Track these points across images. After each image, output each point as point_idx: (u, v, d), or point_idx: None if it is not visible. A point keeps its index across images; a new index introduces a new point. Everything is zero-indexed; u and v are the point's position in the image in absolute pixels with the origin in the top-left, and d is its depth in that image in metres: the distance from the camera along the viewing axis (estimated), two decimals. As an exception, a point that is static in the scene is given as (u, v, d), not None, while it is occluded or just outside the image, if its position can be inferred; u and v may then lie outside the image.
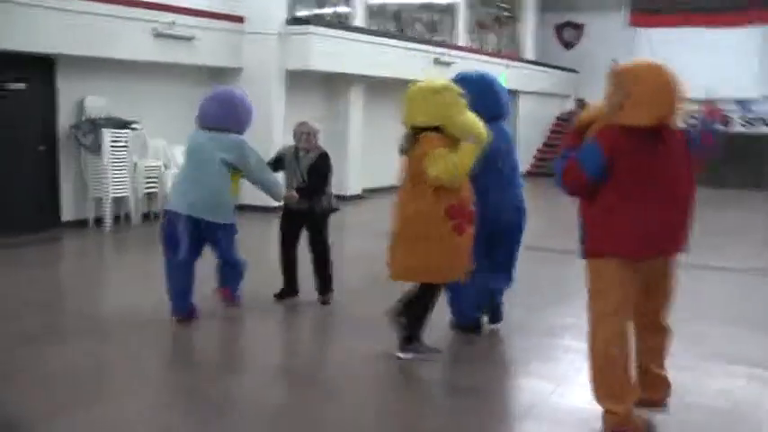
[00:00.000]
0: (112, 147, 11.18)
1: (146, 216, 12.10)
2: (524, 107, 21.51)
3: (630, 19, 21.49)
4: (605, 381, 4.27)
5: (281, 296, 7.30)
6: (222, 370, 5.76)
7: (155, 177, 12.08)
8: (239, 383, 5.35)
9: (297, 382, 5.48)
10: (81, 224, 11.39)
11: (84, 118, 11.23)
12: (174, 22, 11.95)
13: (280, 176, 7.03)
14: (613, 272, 4.13)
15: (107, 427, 4.51)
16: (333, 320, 7.06)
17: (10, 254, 9.61)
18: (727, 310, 7.40)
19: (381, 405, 5.02)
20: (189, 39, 12.29)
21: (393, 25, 17.54)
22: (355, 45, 14.60)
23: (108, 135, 11.09)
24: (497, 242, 6.05)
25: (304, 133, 7.08)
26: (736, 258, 10.02)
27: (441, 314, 6.11)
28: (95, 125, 11.12)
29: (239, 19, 13.39)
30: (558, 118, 24.03)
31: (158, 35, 11.77)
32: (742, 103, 21.67)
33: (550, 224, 12.01)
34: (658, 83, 4.02)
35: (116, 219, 11.58)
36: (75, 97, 11.31)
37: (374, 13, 16.75)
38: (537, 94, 22.30)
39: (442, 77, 5.86)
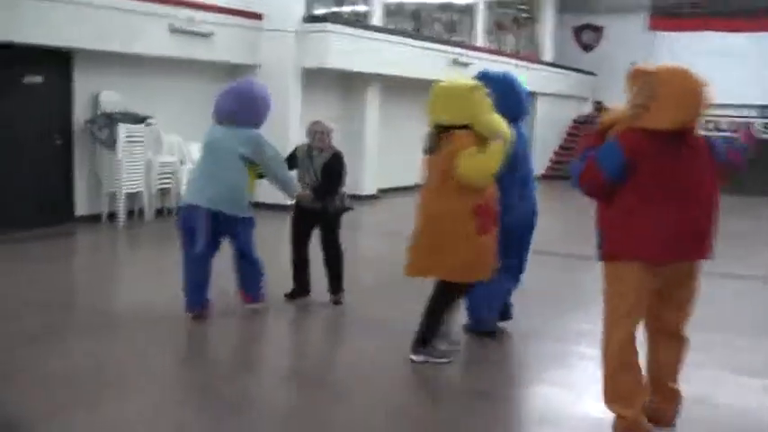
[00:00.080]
0: (127, 142, 11.15)
1: (159, 212, 12.07)
2: (542, 109, 21.40)
3: (650, 22, 21.38)
4: (616, 384, 4.21)
5: (292, 296, 7.25)
6: (234, 369, 5.71)
7: (169, 173, 12.05)
8: (251, 383, 5.30)
9: (307, 383, 5.41)
10: (94, 219, 11.38)
11: (99, 112, 11.21)
12: (193, 18, 11.93)
13: (293, 175, 6.98)
14: (631, 275, 4.06)
15: (115, 425, 4.46)
16: (344, 321, 7.00)
17: (24, 248, 9.61)
18: (752, 320, 7.29)
19: (392, 408, 4.94)
20: (206, 35, 12.26)
21: (411, 25, 17.46)
22: (373, 44, 14.55)
23: (123, 130, 11.06)
24: (511, 244, 5.98)
25: (318, 132, 7.02)
26: (758, 267, 9.87)
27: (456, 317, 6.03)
28: (111, 120, 11.10)
29: (257, 16, 13.35)
30: (575, 121, 23.90)
31: (175, 31, 11.75)
32: (763, 109, 21.46)
33: (567, 228, 11.94)
34: (685, 86, 3.94)
35: (129, 214, 11.56)
36: (90, 92, 11.30)
37: (392, 12, 16.68)
38: (554, 96, 22.18)
39: (466, 77, 5.80)
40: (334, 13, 14.85)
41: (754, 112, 21.24)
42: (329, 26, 13.54)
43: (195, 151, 12.13)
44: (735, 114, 20.46)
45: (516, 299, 6.49)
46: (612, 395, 4.25)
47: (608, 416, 4.37)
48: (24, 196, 10.46)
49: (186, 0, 11.97)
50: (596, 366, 4.51)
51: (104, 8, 10.60)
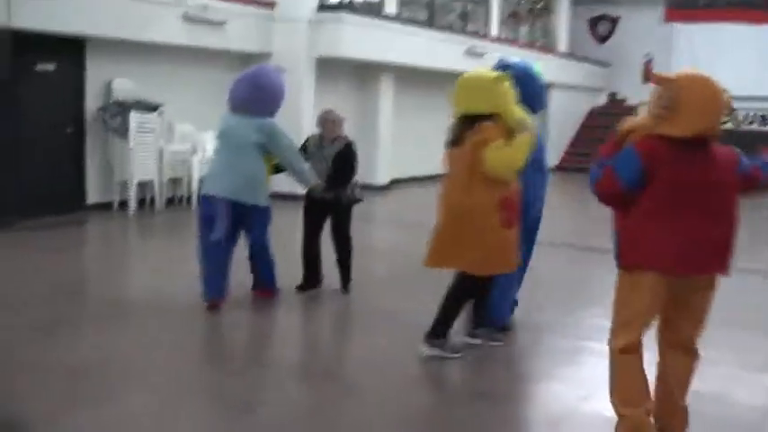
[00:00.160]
0: (139, 130, 11.11)
1: (170, 201, 12.04)
2: (556, 100, 21.26)
3: (666, 13, 21.12)
4: (623, 386, 4.14)
5: (303, 288, 7.19)
6: (244, 363, 5.66)
7: (181, 162, 12.00)
8: (261, 377, 5.24)
9: (318, 377, 5.36)
10: (105, 207, 11.36)
11: (111, 101, 11.18)
12: (206, 6, 11.86)
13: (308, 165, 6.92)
14: (646, 284, 3.98)
15: (120, 421, 4.41)
16: (356, 314, 6.95)
17: (35, 236, 9.59)
18: (759, 316, 7.19)
19: (403, 403, 4.86)
20: (219, 23, 12.19)
21: (425, 14, 17.34)
22: (387, 33, 14.46)
23: (135, 118, 11.02)
24: (528, 238, 5.92)
25: (329, 121, 6.97)
26: (759, 261, 9.70)
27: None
28: (123, 108, 11.06)
29: (270, 4, 13.30)
30: (590, 112, 23.76)
31: (189, 19, 11.69)
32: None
33: (581, 221, 11.83)
34: (705, 94, 3.85)
35: (140, 203, 11.53)
36: (103, 80, 11.27)
37: (406, 1, 16.56)
38: (569, 88, 22.04)
39: (489, 69, 5.72)
40: (347, 2, 14.76)
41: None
42: (343, 15, 13.47)
43: (208, 140, 12.11)
44: (751, 107, 20.29)
45: (530, 292, 6.41)
46: (619, 396, 4.18)
47: (626, 412, 4.28)
48: (35, 184, 10.43)
49: (199, -12, 11.91)
50: (608, 363, 4.44)
51: (117, -5, 10.56)
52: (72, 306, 6.72)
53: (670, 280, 3.96)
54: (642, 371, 4.12)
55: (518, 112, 5.30)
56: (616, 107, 23.84)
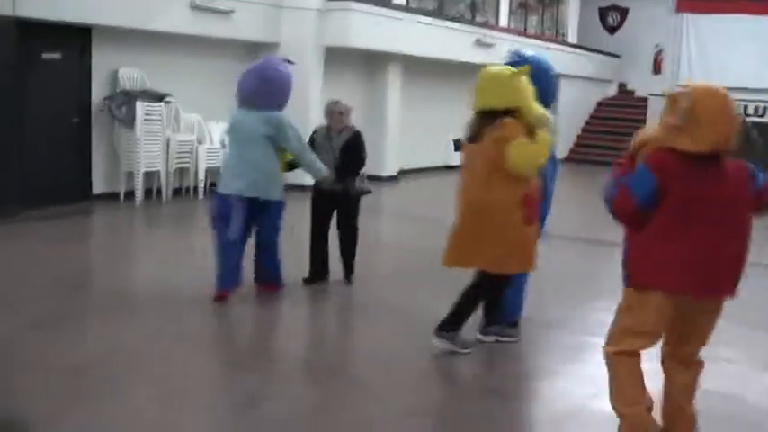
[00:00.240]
0: (146, 120, 11.05)
1: (177, 191, 11.97)
2: (565, 91, 21.12)
3: (677, 4, 20.96)
4: (620, 386, 4.09)
5: (310, 281, 7.14)
6: (250, 357, 5.61)
7: (187, 152, 11.93)
8: (267, 372, 5.19)
9: (323, 372, 5.31)
10: (112, 197, 11.31)
11: (118, 90, 11.11)
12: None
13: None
14: (653, 303, 3.92)
15: (124, 415, 4.37)
16: (362, 308, 6.90)
17: (41, 227, 9.53)
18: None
19: (409, 399, 4.81)
20: (227, 12, 12.11)
21: (434, 4, 17.23)
22: (395, 23, 14.35)
23: (141, 108, 10.96)
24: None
25: (336, 112, 6.92)
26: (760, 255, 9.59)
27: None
28: (129, 97, 11.00)
29: (278, -7, 13.19)
30: (599, 103, 23.65)
31: (196, 8, 11.61)
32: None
33: (588, 214, 11.72)
34: (718, 109, 3.77)
35: (147, 193, 11.47)
36: (109, 69, 11.20)
37: (415, -10, 16.46)
38: (578, 79, 21.91)
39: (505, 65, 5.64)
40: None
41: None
42: (351, 4, 13.35)
43: (215, 130, 12.07)
44: (762, 99, 20.14)
45: (538, 287, 6.34)
46: (619, 397, 4.12)
47: (626, 411, 4.22)
48: (41, 174, 10.37)
49: (207, -24, 11.83)
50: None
51: (124, -16, 10.48)
52: (76, 298, 6.68)
53: (677, 299, 3.89)
54: (638, 368, 4.07)
55: (537, 108, 5.24)
56: (626, 98, 23.73)
